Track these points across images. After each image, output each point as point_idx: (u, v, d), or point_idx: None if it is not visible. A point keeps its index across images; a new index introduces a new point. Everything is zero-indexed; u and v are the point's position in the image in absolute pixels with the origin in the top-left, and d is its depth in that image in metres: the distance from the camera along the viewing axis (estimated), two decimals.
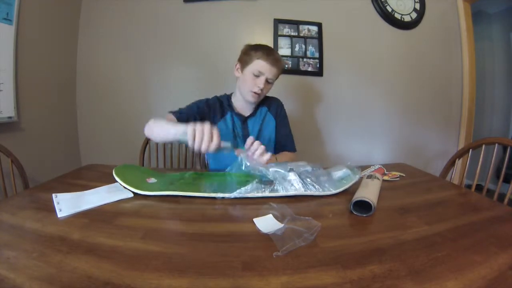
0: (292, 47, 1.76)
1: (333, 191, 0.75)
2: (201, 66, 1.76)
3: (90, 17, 1.72)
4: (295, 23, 1.77)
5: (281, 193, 0.72)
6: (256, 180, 0.75)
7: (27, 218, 0.58)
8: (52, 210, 0.61)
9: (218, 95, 1.15)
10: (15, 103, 1.27)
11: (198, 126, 0.66)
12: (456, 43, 1.96)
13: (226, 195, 0.70)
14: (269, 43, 1.74)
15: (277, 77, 1.04)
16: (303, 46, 1.77)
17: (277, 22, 1.75)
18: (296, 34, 1.77)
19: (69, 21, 1.67)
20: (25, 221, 0.56)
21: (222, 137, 0.94)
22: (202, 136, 0.66)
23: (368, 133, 1.90)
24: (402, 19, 1.85)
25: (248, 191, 0.71)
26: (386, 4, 1.82)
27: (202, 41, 1.74)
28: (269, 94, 1.12)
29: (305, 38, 1.77)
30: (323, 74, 1.80)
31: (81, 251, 0.45)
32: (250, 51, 1.01)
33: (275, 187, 0.73)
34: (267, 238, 0.51)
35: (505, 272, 0.40)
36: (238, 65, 1.05)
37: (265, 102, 1.15)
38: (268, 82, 1.01)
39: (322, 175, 0.78)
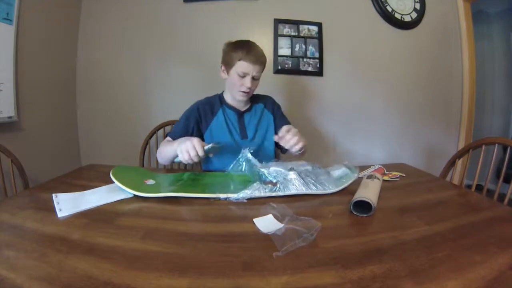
0: (292, 47, 1.76)
1: (334, 190, 0.75)
2: (201, 66, 1.75)
3: (90, 17, 1.72)
4: (295, 23, 1.77)
5: (283, 192, 0.72)
6: (259, 180, 0.75)
7: (27, 218, 0.58)
8: (52, 210, 0.61)
9: (209, 96, 1.17)
10: (15, 103, 1.27)
11: (182, 146, 0.79)
12: (456, 43, 1.96)
13: (231, 196, 0.70)
14: (269, 43, 1.74)
15: (261, 72, 1.04)
16: (303, 46, 1.77)
17: (277, 22, 1.75)
18: (296, 34, 1.76)
19: (69, 21, 1.67)
20: (25, 221, 0.56)
21: (217, 133, 1.04)
22: (188, 155, 0.78)
23: (368, 133, 1.90)
24: (402, 19, 1.85)
25: (252, 192, 0.70)
26: (386, 4, 1.82)
27: (202, 41, 1.74)
28: (262, 93, 1.17)
29: (305, 38, 1.77)
30: (323, 74, 1.80)
31: (81, 251, 0.45)
32: (231, 52, 1.01)
33: (278, 187, 0.73)
34: (267, 238, 0.51)
35: (505, 272, 0.40)
36: (223, 67, 1.07)
37: (260, 100, 1.17)
38: (254, 79, 1.02)
39: (321, 174, 0.78)
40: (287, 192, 0.72)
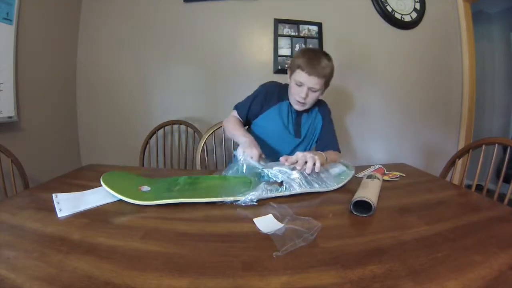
0: (292, 47, 1.76)
1: (336, 186, 0.78)
2: (201, 66, 1.76)
3: (90, 17, 1.72)
4: (295, 23, 1.77)
5: (290, 192, 0.72)
6: (264, 181, 0.75)
7: (27, 218, 0.58)
8: (52, 210, 0.61)
9: (281, 83, 1.15)
10: (15, 103, 1.27)
11: (248, 151, 0.84)
12: (456, 43, 1.96)
13: (238, 198, 0.67)
14: (269, 43, 1.74)
15: (322, 85, 1.00)
16: (303, 46, 1.77)
17: (277, 22, 1.75)
18: (296, 34, 1.76)
19: (69, 21, 1.67)
20: (25, 221, 0.56)
21: (272, 119, 1.09)
22: (244, 157, 0.83)
23: (368, 133, 1.90)
24: (402, 19, 1.85)
25: (261, 193, 0.69)
26: (386, 4, 1.82)
27: (202, 41, 1.74)
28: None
29: (305, 38, 1.77)
30: None
31: (81, 251, 0.45)
32: (295, 59, 1.01)
33: (283, 187, 0.73)
34: (267, 238, 0.51)
35: (505, 272, 0.40)
36: (289, 71, 1.06)
37: (316, 103, 1.13)
38: (312, 91, 0.99)
39: (321, 172, 0.79)
40: (293, 192, 0.73)
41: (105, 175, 0.73)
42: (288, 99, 1.09)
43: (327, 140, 1.11)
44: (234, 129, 1.03)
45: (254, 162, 0.82)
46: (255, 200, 0.67)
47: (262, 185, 0.71)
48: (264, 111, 1.08)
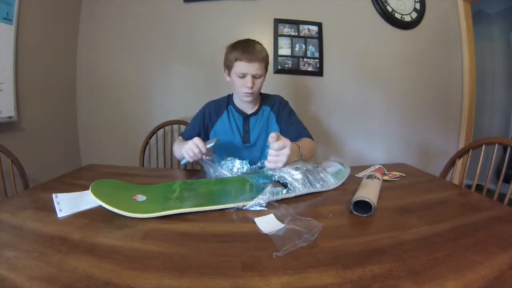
0: (292, 47, 1.76)
1: (336, 185, 0.79)
2: (201, 66, 1.76)
3: (90, 17, 1.72)
4: (295, 23, 1.76)
5: (295, 193, 0.72)
6: (268, 183, 0.74)
7: (27, 218, 0.58)
8: (52, 210, 0.61)
9: (216, 98, 1.17)
10: (15, 103, 1.27)
11: (186, 147, 0.85)
12: (456, 43, 1.96)
13: (248, 203, 0.65)
14: (269, 43, 1.74)
15: (263, 69, 1.00)
16: (303, 46, 1.77)
17: (277, 22, 1.75)
18: (296, 34, 1.76)
19: (69, 21, 1.67)
20: (25, 221, 0.56)
21: (221, 134, 1.07)
22: (192, 152, 0.84)
23: (368, 133, 1.90)
24: (402, 19, 1.85)
25: (270, 196, 0.67)
26: (386, 4, 1.82)
27: (202, 41, 1.74)
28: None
29: (305, 38, 1.77)
30: (323, 74, 1.80)
31: (81, 251, 0.45)
32: (228, 54, 1.00)
33: (289, 188, 0.73)
34: (267, 238, 0.51)
35: (505, 272, 0.40)
36: (225, 71, 1.06)
37: (267, 102, 1.13)
38: (255, 77, 0.98)
39: (320, 172, 0.80)
40: (298, 192, 0.73)
41: (94, 185, 0.64)
42: (226, 109, 1.11)
43: (295, 132, 1.05)
44: (177, 147, 1.01)
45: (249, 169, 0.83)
46: (264, 204, 0.65)
47: (269, 188, 0.69)
48: (211, 129, 1.11)
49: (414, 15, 1.87)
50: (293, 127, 1.08)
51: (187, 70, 1.76)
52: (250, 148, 1.09)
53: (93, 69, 1.74)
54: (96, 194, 0.61)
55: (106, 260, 0.43)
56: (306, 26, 1.77)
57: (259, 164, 0.85)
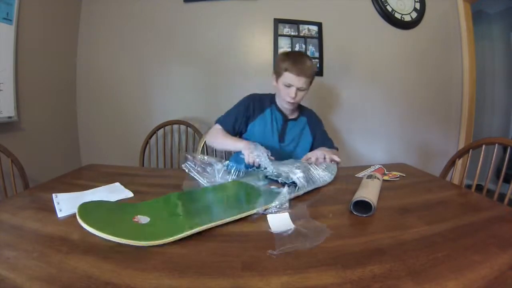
0: (292, 47, 1.76)
1: (330, 179, 0.86)
2: (201, 66, 1.75)
3: (90, 17, 1.72)
4: (295, 23, 1.76)
5: (303, 190, 0.75)
6: (286, 184, 0.75)
7: (27, 218, 0.58)
8: (52, 210, 0.61)
9: (261, 93, 1.21)
10: (15, 103, 1.27)
11: (254, 153, 0.88)
12: (456, 43, 1.96)
13: (268, 207, 0.63)
14: (269, 43, 1.74)
15: (308, 84, 1.08)
16: (303, 46, 1.77)
17: (277, 22, 1.75)
18: (296, 34, 1.76)
19: (69, 21, 1.67)
20: (25, 221, 0.56)
21: (259, 129, 1.15)
22: (258, 158, 0.87)
23: (368, 133, 1.90)
24: (402, 18, 1.84)
25: (287, 198, 0.66)
26: (386, 4, 1.82)
27: (202, 41, 1.73)
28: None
29: (305, 38, 1.77)
30: (323, 74, 1.80)
31: (81, 251, 0.45)
32: (280, 62, 1.07)
33: (298, 187, 0.75)
34: (267, 238, 0.51)
35: (505, 272, 0.40)
36: (274, 76, 1.12)
37: (305, 113, 1.22)
38: (300, 90, 1.05)
39: (313, 168, 0.84)
40: (305, 190, 0.75)
41: (80, 209, 0.54)
42: (269, 107, 1.15)
43: (323, 144, 1.17)
44: (225, 139, 1.07)
45: (265, 161, 0.84)
46: (287, 206, 0.64)
47: (286, 189, 0.69)
48: (251, 121, 1.14)
49: (414, 15, 1.87)
50: (322, 141, 1.20)
51: (187, 70, 1.76)
52: (283, 147, 1.15)
53: (93, 69, 1.74)
54: (89, 222, 0.50)
55: (106, 260, 0.43)
56: (306, 26, 1.77)
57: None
